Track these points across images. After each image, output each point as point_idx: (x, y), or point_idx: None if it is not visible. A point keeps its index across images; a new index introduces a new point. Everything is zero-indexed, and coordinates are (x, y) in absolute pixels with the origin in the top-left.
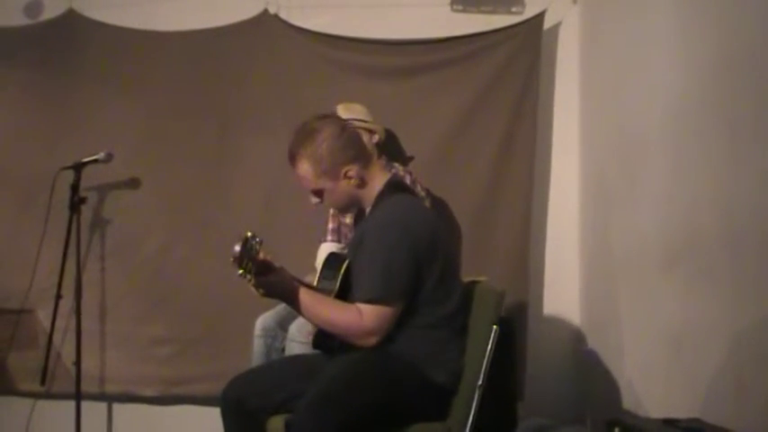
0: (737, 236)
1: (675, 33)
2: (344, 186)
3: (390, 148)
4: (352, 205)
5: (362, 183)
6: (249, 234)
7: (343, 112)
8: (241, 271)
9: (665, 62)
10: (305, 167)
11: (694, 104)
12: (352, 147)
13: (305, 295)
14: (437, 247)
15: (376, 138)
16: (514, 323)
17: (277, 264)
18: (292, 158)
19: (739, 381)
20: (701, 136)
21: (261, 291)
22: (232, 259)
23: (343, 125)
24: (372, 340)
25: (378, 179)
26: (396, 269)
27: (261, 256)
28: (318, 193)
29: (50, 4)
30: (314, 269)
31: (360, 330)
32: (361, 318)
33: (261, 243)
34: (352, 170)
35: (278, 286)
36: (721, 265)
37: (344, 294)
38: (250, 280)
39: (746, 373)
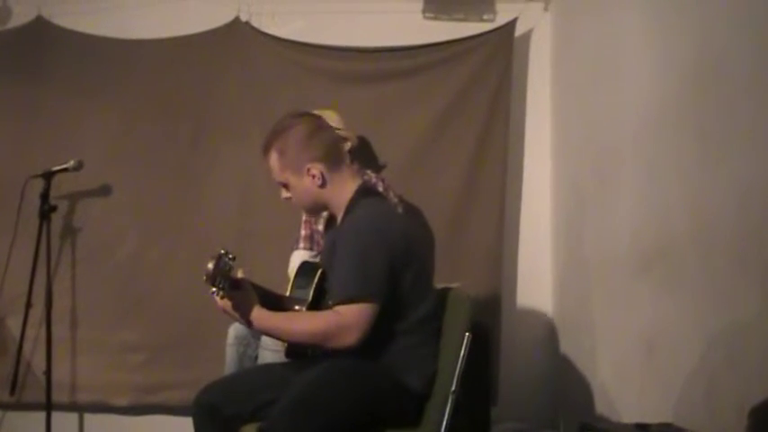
0: (709, 241)
1: (647, 41)
2: (307, 184)
3: (363, 156)
4: (316, 206)
5: (324, 183)
6: (222, 251)
7: None
8: (214, 289)
9: (637, 69)
10: (273, 158)
11: (666, 111)
12: (320, 147)
13: (275, 320)
14: (411, 251)
15: (348, 145)
16: (488, 328)
17: (253, 278)
18: (264, 148)
19: (711, 385)
20: (674, 142)
21: (230, 304)
22: (205, 277)
23: (320, 125)
24: (353, 338)
25: (349, 185)
26: (371, 269)
27: (234, 273)
28: (284, 185)
29: (19, 11)
30: (287, 277)
31: (339, 328)
32: (339, 316)
33: (234, 259)
34: (315, 169)
35: (243, 305)
36: (693, 269)
37: (318, 303)
38: (223, 297)
39: (718, 376)
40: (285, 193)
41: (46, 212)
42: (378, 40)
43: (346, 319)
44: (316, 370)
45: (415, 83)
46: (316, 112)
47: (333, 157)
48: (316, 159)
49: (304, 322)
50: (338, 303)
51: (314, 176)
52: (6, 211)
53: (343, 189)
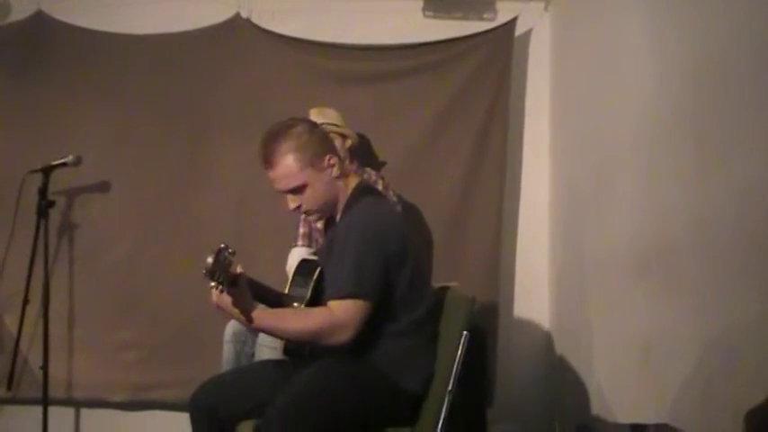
0: (707, 244)
1: (647, 42)
2: (327, 176)
3: (363, 154)
4: (331, 201)
5: (341, 174)
6: (222, 245)
7: (316, 116)
8: (213, 283)
9: (636, 71)
10: (287, 162)
11: (665, 114)
12: (327, 140)
13: (270, 318)
14: (407, 251)
15: (348, 143)
16: (485, 329)
17: (252, 275)
18: (269, 159)
19: (707, 387)
20: (672, 145)
21: (228, 300)
22: (204, 272)
23: (315, 123)
24: (345, 335)
25: (347, 182)
26: (366, 268)
27: (234, 268)
28: (300, 189)
29: (18, 6)
30: (285, 274)
31: (331, 325)
32: (331, 313)
33: (234, 254)
34: (334, 158)
35: (241, 301)
36: (690, 272)
37: (317, 301)
38: (222, 292)
39: (715, 379)
40: (293, 203)
41: (44, 208)
42: (378, 39)
43: (339, 317)
44: (312, 369)
45: (413, 81)
46: (316, 109)
47: (335, 151)
48: (330, 150)
49: (298, 320)
50: (331, 299)
51: (334, 166)
52: (4, 207)
53: (342, 186)
